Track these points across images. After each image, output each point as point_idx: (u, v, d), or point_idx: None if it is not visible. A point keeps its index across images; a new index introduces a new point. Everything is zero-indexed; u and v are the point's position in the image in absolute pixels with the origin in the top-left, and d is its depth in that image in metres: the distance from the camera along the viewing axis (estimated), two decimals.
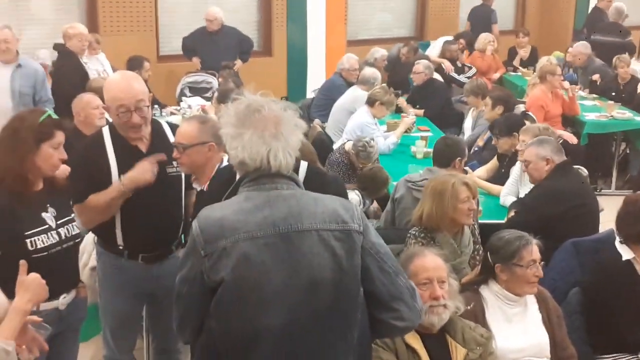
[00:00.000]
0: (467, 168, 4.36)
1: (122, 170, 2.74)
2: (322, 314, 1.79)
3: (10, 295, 1.91)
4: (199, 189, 2.65)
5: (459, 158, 3.72)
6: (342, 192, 2.60)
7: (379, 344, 2.20)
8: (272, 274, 1.75)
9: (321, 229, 1.79)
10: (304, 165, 2.39)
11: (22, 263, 1.96)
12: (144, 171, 2.47)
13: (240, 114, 1.77)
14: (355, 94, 5.53)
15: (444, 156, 3.76)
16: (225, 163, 2.67)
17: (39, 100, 4.34)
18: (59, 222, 2.34)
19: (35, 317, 1.92)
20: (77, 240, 2.47)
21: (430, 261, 2.28)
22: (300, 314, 1.77)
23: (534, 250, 2.62)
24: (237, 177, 2.06)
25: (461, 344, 2.27)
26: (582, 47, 7.05)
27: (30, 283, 1.90)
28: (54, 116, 2.56)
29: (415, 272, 2.19)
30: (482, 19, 8.55)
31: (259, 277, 1.75)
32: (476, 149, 5.10)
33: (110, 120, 3.13)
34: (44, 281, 1.94)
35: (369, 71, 5.79)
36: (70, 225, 2.41)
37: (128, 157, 2.72)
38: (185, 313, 1.84)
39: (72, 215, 2.48)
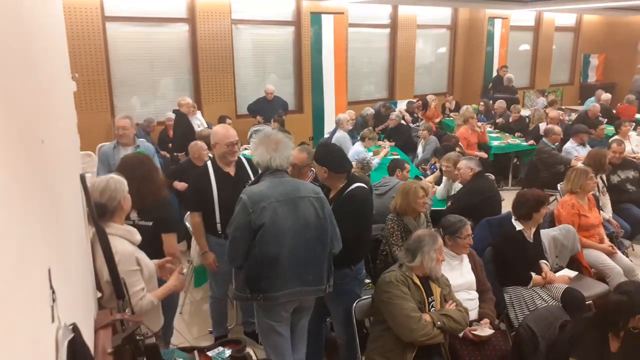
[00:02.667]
0: (422, 176, 5.70)
1: (220, 187, 3.34)
2: (311, 239, 2.63)
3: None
4: None
5: (398, 169, 4.96)
6: (370, 201, 3.23)
7: (399, 281, 2.77)
8: (287, 219, 2.56)
9: (308, 196, 2.65)
10: (357, 183, 3.02)
11: (180, 269, 2.62)
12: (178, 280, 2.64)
13: (260, 138, 2.66)
14: (338, 135, 6.93)
15: (391, 168, 5.03)
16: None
17: None
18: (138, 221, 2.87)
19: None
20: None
21: (442, 241, 2.96)
22: (300, 239, 2.59)
23: (468, 228, 3.25)
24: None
25: (437, 285, 2.92)
26: (500, 103, 9.33)
27: (181, 281, 2.62)
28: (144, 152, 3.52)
29: (440, 245, 2.91)
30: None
31: (281, 221, 2.54)
32: (432, 167, 6.25)
33: (207, 159, 4.02)
34: (184, 280, 2.62)
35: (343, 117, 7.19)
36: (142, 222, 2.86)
37: (223, 178, 3.36)
38: (240, 247, 2.55)
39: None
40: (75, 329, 1.21)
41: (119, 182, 2.50)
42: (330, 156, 2.97)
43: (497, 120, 8.98)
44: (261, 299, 2.61)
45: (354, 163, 5.30)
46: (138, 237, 2.51)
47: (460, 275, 3.21)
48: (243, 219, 2.53)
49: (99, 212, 2.31)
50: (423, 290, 2.84)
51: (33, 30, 1.18)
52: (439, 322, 2.74)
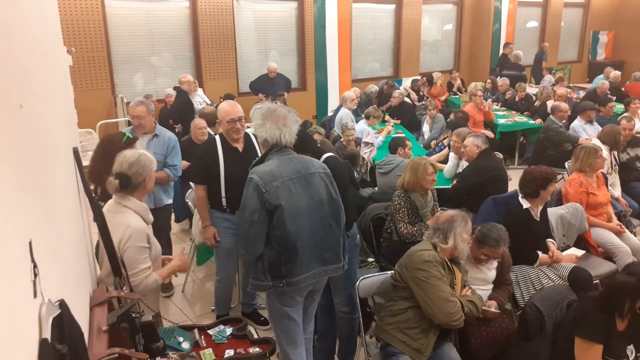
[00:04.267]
0: (426, 155, 5.51)
1: (227, 161, 3.30)
2: (327, 216, 2.54)
3: None
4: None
5: (400, 147, 4.94)
6: (342, 166, 3.14)
7: (437, 261, 2.70)
8: (302, 198, 2.46)
9: (318, 172, 2.56)
10: (326, 154, 3.03)
11: (183, 250, 2.72)
12: (183, 262, 2.72)
13: (263, 112, 2.49)
14: (342, 113, 6.95)
15: (392, 147, 5.01)
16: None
17: (166, 165, 3.87)
18: None
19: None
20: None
21: (470, 224, 2.91)
22: (316, 218, 2.51)
23: (503, 250, 3.09)
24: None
25: (459, 269, 2.90)
26: (504, 80, 9.27)
27: (185, 262, 2.71)
28: (131, 136, 3.16)
29: (470, 227, 2.89)
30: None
31: (296, 200, 2.44)
32: (440, 144, 6.20)
33: (202, 137, 4.43)
34: (188, 263, 2.85)
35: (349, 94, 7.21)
36: None
37: (231, 154, 3.34)
38: (260, 230, 2.40)
39: None
40: (62, 305, 1.17)
41: (150, 161, 2.50)
42: (303, 141, 2.80)
43: (507, 95, 8.86)
44: (283, 285, 2.47)
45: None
46: (151, 217, 2.51)
47: (478, 270, 3.16)
48: (257, 200, 2.38)
49: (122, 183, 2.35)
50: (454, 274, 2.81)
51: None
52: (466, 309, 2.72)
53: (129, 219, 2.36)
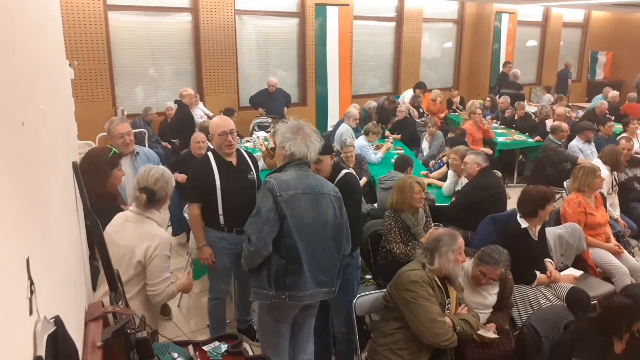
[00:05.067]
0: (426, 171, 5.78)
1: (222, 175, 3.24)
2: (328, 238, 2.58)
3: None
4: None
5: (409, 168, 4.99)
6: (359, 184, 3.26)
7: (425, 281, 2.68)
8: (309, 213, 2.52)
9: (330, 194, 2.61)
10: (345, 170, 3.08)
11: (189, 271, 2.98)
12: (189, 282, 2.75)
13: (293, 128, 2.60)
14: (342, 129, 6.82)
15: (401, 166, 4.99)
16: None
17: None
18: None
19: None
20: None
21: (462, 241, 2.88)
22: (318, 237, 2.55)
23: (460, 241, 2.88)
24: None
25: (454, 288, 2.90)
26: (505, 98, 9.30)
27: (190, 283, 2.75)
28: (117, 152, 3.12)
29: (460, 245, 2.83)
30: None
31: (304, 214, 2.51)
32: (440, 162, 6.12)
33: (200, 151, 4.32)
34: (193, 285, 2.78)
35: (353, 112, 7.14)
36: None
37: (225, 168, 3.28)
38: (272, 230, 2.45)
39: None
40: (58, 322, 1.16)
41: (171, 177, 2.63)
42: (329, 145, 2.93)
43: (507, 114, 8.90)
44: (286, 298, 2.49)
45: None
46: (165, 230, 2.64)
47: (477, 294, 3.13)
48: (272, 201, 2.44)
49: (149, 198, 2.49)
50: (445, 293, 2.79)
51: (13, 14, 1.12)
52: (459, 328, 2.69)
53: (156, 230, 2.49)
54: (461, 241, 2.84)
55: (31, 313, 1.00)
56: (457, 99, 10.42)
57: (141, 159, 3.67)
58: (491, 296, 3.14)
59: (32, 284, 1.00)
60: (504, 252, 3.04)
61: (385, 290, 2.95)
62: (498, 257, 2.98)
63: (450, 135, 6.68)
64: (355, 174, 3.10)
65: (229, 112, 7.22)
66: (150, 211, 2.54)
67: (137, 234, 2.43)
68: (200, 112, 7.86)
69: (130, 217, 2.54)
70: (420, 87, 9.54)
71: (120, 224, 2.52)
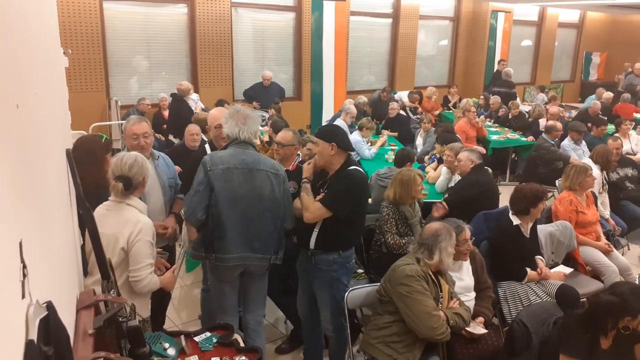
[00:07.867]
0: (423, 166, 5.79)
1: None
2: (263, 210, 2.81)
3: None
4: (285, 169, 3.15)
5: (408, 162, 4.81)
6: (367, 182, 3.19)
7: (420, 276, 2.70)
8: (242, 187, 2.75)
9: (267, 170, 2.83)
10: (354, 166, 2.97)
11: (174, 268, 2.79)
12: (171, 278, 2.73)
13: (230, 112, 2.87)
14: (338, 124, 5.86)
15: (401, 161, 4.86)
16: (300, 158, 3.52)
17: (177, 188, 3.36)
18: None
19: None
20: None
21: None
22: (252, 208, 2.78)
23: (466, 233, 3.08)
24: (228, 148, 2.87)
25: (446, 281, 2.93)
26: (495, 98, 9.38)
27: (173, 279, 2.75)
28: (107, 137, 3.16)
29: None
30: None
31: (236, 187, 2.75)
32: (433, 157, 6.11)
33: (198, 142, 4.38)
34: (176, 280, 2.74)
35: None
36: None
37: None
38: (201, 200, 2.72)
39: None
40: (50, 306, 1.15)
41: (145, 161, 2.63)
42: (337, 133, 2.94)
43: (500, 112, 8.96)
44: (213, 259, 2.78)
45: None
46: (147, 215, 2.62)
47: (458, 278, 3.16)
48: (204, 175, 2.71)
49: (125, 185, 2.49)
50: (439, 287, 2.81)
51: None
52: (452, 321, 2.72)
53: (138, 215, 2.49)
54: (454, 234, 2.89)
55: (23, 296, 0.99)
56: (455, 98, 10.39)
57: (161, 163, 3.34)
58: (468, 277, 3.19)
59: (24, 267, 0.99)
60: (453, 220, 3.13)
61: (378, 284, 2.97)
62: (459, 224, 3.08)
63: (437, 132, 6.66)
64: (362, 171, 3.04)
65: (220, 103, 7.28)
66: (130, 198, 2.54)
67: (118, 220, 2.43)
68: (192, 102, 7.80)
69: (110, 206, 2.53)
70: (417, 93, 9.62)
71: (101, 214, 2.48)
